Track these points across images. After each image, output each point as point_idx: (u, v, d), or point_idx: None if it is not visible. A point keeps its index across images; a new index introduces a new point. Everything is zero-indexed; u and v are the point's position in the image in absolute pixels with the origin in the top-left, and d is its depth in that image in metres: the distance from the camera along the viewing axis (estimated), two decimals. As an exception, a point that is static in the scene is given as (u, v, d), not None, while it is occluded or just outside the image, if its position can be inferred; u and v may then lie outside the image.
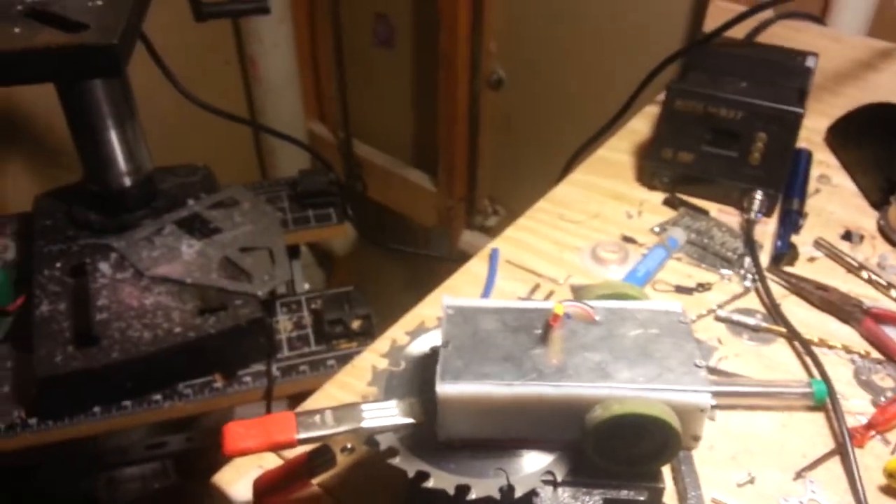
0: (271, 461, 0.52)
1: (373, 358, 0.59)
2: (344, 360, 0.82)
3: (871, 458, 0.52)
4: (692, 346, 0.44)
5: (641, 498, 0.42)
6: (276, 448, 0.44)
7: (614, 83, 0.95)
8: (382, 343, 0.60)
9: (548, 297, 0.66)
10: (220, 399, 0.78)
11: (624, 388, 0.41)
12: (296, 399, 0.85)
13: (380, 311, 0.88)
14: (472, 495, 0.42)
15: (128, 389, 0.76)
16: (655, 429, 0.41)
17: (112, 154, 0.86)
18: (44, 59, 0.63)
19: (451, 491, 0.42)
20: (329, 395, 0.57)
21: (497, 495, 0.42)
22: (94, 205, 0.89)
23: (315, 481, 0.49)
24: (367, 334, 0.83)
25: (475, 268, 0.69)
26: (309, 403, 0.56)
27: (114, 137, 0.85)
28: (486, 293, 0.66)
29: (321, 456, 0.47)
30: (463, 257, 0.68)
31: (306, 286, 1.03)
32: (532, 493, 0.42)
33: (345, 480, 0.50)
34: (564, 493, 0.43)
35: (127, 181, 0.89)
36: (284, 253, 0.88)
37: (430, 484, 0.42)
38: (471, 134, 1.48)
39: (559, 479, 0.42)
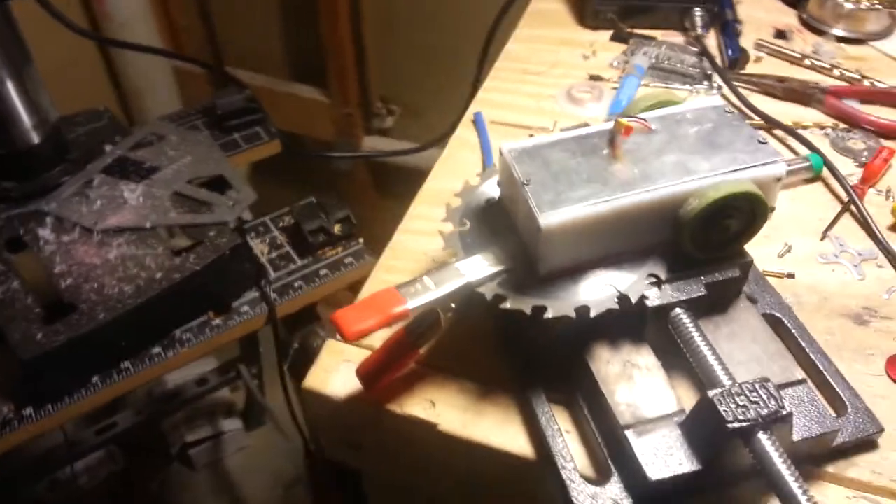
0: (355, 353, 0.51)
1: (406, 239, 0.58)
2: (335, 266, 0.79)
3: (874, 208, 0.58)
4: (748, 128, 0.47)
5: (737, 274, 0.46)
6: (392, 322, 0.43)
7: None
8: (411, 222, 0.60)
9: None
10: (222, 336, 0.74)
11: (711, 176, 0.44)
12: (294, 318, 0.82)
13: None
14: (592, 313, 0.43)
15: (123, 349, 0.70)
16: (746, 205, 0.44)
17: (12, 108, 0.75)
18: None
19: (572, 314, 0.43)
20: (381, 280, 0.56)
21: (616, 307, 0.43)
22: (7, 172, 0.79)
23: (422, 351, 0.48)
24: (350, 236, 0.81)
25: (464, 134, 0.69)
26: (364, 292, 0.54)
27: (10, 88, 0.74)
28: (486, 153, 0.66)
29: (424, 323, 0.47)
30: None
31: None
32: (643, 298, 0.44)
33: (436, 348, 0.50)
34: (668, 289, 0.45)
35: (34, 137, 0.78)
36: (237, 174, 0.82)
37: (550, 314, 0.43)
38: (355, 34, 1.43)
39: (663, 277, 0.45)
